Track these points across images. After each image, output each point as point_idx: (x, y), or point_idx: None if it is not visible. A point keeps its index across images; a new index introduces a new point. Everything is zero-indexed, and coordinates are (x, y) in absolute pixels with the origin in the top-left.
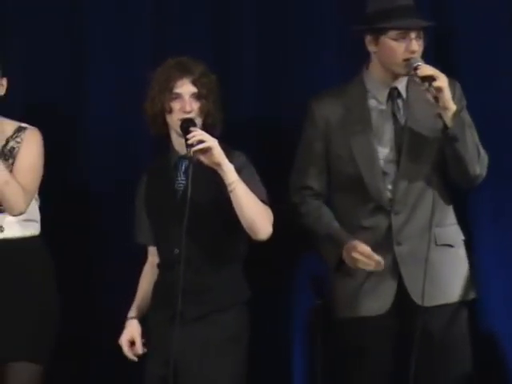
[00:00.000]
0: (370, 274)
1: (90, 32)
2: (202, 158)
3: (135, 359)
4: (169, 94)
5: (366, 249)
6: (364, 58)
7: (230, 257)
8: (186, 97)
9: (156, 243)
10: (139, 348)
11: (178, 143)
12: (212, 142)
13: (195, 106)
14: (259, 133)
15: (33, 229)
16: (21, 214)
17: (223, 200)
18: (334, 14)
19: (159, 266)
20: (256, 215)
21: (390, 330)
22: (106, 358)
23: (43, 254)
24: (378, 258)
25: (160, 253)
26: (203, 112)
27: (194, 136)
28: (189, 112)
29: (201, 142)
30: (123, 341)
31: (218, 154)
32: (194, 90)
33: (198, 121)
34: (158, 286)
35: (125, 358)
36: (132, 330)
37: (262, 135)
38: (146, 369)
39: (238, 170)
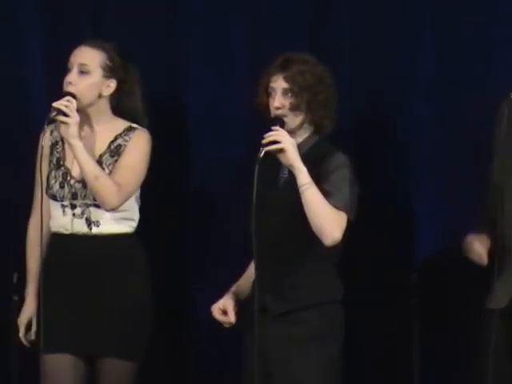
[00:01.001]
0: None
1: (185, 32)
2: (280, 158)
3: (227, 325)
4: (267, 89)
5: None
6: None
7: (320, 255)
8: (278, 92)
9: None
10: (232, 316)
11: None
12: (286, 143)
13: (286, 102)
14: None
15: (129, 227)
16: (113, 209)
17: None
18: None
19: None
20: (323, 220)
21: None
22: (199, 357)
23: (138, 252)
24: None
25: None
26: (294, 108)
27: (269, 136)
28: (277, 108)
29: (275, 142)
30: (214, 308)
31: (290, 156)
32: (285, 85)
33: (290, 118)
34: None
35: (220, 360)
36: (225, 299)
37: (358, 133)
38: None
39: (330, 172)
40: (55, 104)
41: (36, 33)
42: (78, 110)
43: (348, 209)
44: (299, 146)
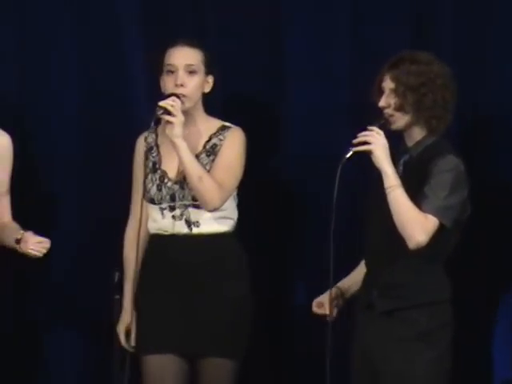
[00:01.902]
0: None
1: (288, 32)
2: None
3: (328, 318)
4: (379, 88)
5: None
6: None
7: (428, 255)
8: (386, 92)
9: None
10: (327, 309)
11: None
12: (376, 145)
13: (391, 101)
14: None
15: (228, 226)
16: (215, 209)
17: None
18: None
19: None
20: (406, 223)
21: None
22: (299, 357)
23: (238, 252)
24: None
25: None
26: (399, 109)
27: (361, 136)
28: (383, 107)
29: (364, 143)
30: (314, 303)
31: (377, 158)
32: (391, 85)
33: (397, 118)
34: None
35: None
36: (324, 294)
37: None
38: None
39: (434, 175)
40: (161, 103)
41: (137, 33)
42: (182, 111)
43: (440, 214)
44: (413, 147)
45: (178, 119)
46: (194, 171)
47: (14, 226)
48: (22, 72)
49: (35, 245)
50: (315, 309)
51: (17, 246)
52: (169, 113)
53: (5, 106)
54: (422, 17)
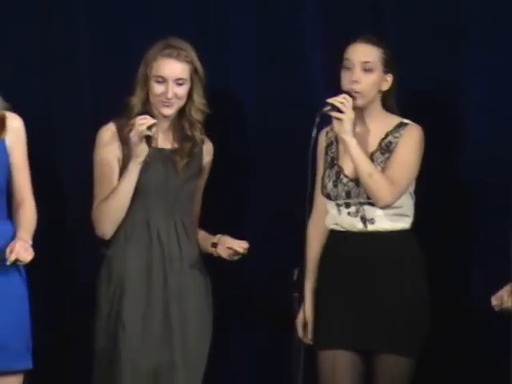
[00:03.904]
0: None
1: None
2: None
3: None
4: None
5: None
6: None
7: None
8: None
9: None
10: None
11: None
12: (347, 115)
13: None
14: None
15: (404, 223)
16: (387, 206)
17: None
18: None
19: None
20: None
21: None
22: (479, 358)
23: (414, 249)
24: None
25: None
26: None
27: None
28: None
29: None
30: (494, 296)
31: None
32: None
33: None
34: None
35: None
36: (505, 289)
37: None
38: None
39: None
40: (330, 100)
41: (316, 32)
42: (356, 108)
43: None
44: None
45: (346, 116)
46: (363, 168)
47: (206, 234)
48: None
49: (235, 245)
50: (494, 302)
51: (213, 250)
52: (338, 109)
53: None
54: None
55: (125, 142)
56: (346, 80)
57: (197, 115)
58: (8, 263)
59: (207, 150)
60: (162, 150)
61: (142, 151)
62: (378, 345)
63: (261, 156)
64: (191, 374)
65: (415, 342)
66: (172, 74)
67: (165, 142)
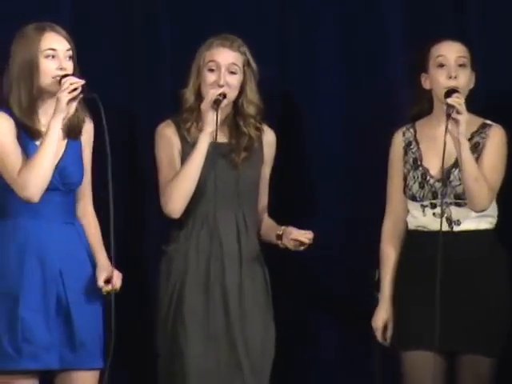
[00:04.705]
0: None
1: None
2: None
3: None
4: None
5: None
6: None
7: None
8: None
9: None
10: None
11: None
12: (464, 116)
13: None
14: None
15: (488, 224)
16: (483, 210)
17: None
18: None
19: None
20: None
21: None
22: None
23: (499, 250)
24: None
25: None
26: None
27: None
28: None
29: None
30: None
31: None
32: None
33: None
34: None
35: None
36: None
37: None
38: None
39: None
40: (450, 101)
41: (400, 32)
42: None
43: None
44: None
45: (464, 117)
46: (471, 171)
47: (273, 225)
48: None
49: (301, 236)
50: None
51: (278, 242)
52: (456, 110)
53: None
54: None
55: (183, 137)
56: (441, 77)
57: (250, 110)
58: (104, 292)
59: (267, 141)
60: (220, 144)
61: (212, 120)
62: (460, 345)
63: (341, 155)
64: (256, 373)
65: (498, 342)
66: (225, 60)
67: (222, 137)
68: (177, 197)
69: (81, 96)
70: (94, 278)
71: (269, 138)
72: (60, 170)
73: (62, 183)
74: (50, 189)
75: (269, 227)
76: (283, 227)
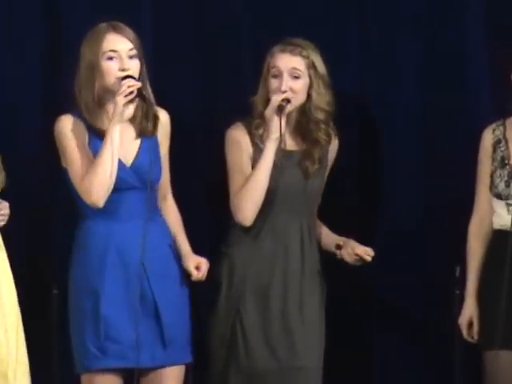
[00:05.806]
0: None
1: None
2: None
3: None
4: None
5: None
6: None
7: None
8: None
9: None
10: None
11: None
12: None
13: None
14: None
15: None
16: None
17: None
18: None
19: None
20: None
21: None
22: None
23: None
24: None
25: None
26: None
27: None
28: None
29: None
30: None
31: None
32: None
33: None
34: None
35: None
36: None
37: None
38: None
39: None
40: None
41: (480, 33)
42: None
43: None
44: None
45: None
46: None
47: (330, 232)
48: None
49: (362, 252)
50: None
51: (336, 252)
52: None
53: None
54: None
55: (255, 142)
56: None
57: (318, 114)
58: (193, 279)
59: (332, 148)
60: (290, 152)
61: (276, 126)
62: None
63: (418, 155)
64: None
65: None
66: (286, 66)
67: (292, 144)
68: (247, 206)
69: (137, 99)
70: (178, 272)
71: (334, 144)
72: (135, 169)
73: (140, 181)
74: (126, 188)
75: (326, 235)
76: (344, 238)
